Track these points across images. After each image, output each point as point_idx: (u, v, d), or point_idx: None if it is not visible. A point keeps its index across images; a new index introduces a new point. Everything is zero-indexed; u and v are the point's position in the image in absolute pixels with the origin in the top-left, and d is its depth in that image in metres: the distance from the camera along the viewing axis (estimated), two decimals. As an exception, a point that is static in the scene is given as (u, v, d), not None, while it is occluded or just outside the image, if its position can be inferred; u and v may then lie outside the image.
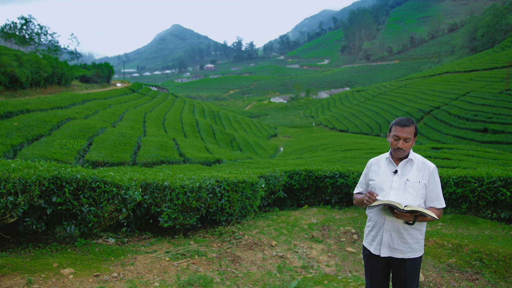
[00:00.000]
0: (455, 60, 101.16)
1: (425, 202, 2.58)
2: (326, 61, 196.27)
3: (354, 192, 2.89)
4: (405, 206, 2.40)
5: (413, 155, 2.62)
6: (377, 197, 2.50)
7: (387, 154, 2.70)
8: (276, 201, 7.67)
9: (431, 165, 2.58)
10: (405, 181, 2.54)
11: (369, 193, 2.51)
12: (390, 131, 2.65)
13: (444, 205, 2.58)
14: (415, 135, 2.57)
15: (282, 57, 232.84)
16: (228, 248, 4.84)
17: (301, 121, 70.55)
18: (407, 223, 2.46)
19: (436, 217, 2.43)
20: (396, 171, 2.59)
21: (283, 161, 17.40)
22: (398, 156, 2.59)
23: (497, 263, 4.24)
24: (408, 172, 2.57)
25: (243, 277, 4.09)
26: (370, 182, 2.70)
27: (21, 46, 52.51)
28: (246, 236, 5.27)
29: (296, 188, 7.55)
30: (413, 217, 2.41)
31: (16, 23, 53.39)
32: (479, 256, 4.39)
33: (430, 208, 2.57)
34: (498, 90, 46.19)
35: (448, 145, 24.00)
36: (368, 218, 2.75)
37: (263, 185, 6.32)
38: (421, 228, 2.58)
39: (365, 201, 2.52)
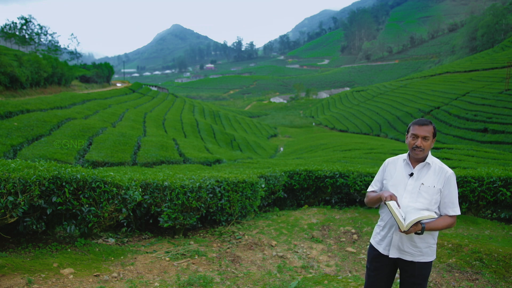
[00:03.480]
0: (455, 60, 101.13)
1: (439, 208, 2.52)
2: (326, 61, 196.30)
3: (368, 190, 2.82)
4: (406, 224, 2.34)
5: (431, 159, 2.55)
6: (394, 204, 2.42)
7: (404, 156, 2.65)
8: (276, 201, 7.67)
9: (449, 171, 2.51)
10: (420, 185, 2.49)
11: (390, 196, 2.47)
12: (408, 132, 2.61)
13: (458, 213, 2.49)
14: (434, 136, 2.52)
15: (282, 57, 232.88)
16: (228, 248, 4.84)
17: (301, 121, 70.53)
18: (415, 233, 2.40)
19: (442, 226, 2.39)
20: (411, 174, 2.53)
21: (283, 161, 17.40)
22: (417, 156, 2.52)
23: (497, 263, 4.24)
24: (424, 176, 2.51)
25: (243, 277, 4.09)
26: (384, 182, 2.66)
27: (21, 46, 52.54)
28: (246, 236, 5.27)
29: (296, 188, 7.55)
30: (420, 227, 2.34)
31: (16, 23, 53.48)
32: (479, 256, 4.39)
33: (444, 215, 2.50)
34: (498, 90, 46.18)
35: (448, 145, 24.00)
36: (381, 217, 2.70)
37: (263, 185, 6.32)
38: (433, 232, 2.52)
39: (385, 195, 2.46)
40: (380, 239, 2.63)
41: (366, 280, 2.74)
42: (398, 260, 2.56)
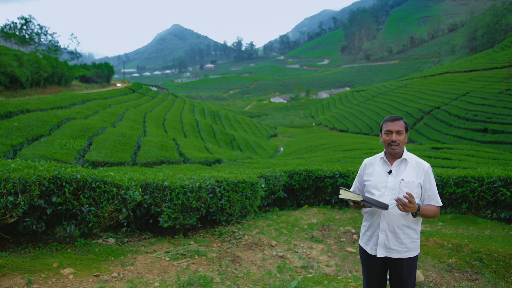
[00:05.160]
0: (455, 60, 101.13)
1: (422, 202, 2.59)
2: (326, 61, 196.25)
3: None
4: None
5: (407, 154, 2.63)
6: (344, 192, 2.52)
7: (381, 154, 2.71)
8: (276, 201, 7.67)
9: (426, 164, 2.59)
10: (400, 181, 2.55)
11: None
12: (381, 131, 2.68)
13: (441, 203, 2.58)
14: (406, 130, 2.60)
15: (282, 57, 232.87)
16: (228, 248, 4.84)
17: (301, 121, 70.53)
18: (413, 215, 2.44)
19: (430, 213, 2.50)
20: (390, 171, 2.59)
21: (283, 161, 17.40)
22: (393, 152, 2.59)
23: (497, 263, 4.24)
24: (402, 172, 2.58)
25: (243, 277, 4.09)
26: (365, 183, 2.71)
27: (21, 46, 52.53)
28: (246, 236, 5.27)
29: (296, 188, 7.55)
30: (416, 205, 2.37)
31: (16, 23, 53.47)
32: (479, 256, 4.39)
33: (430, 206, 2.58)
34: (498, 90, 46.17)
35: (448, 145, 24.00)
36: (364, 218, 2.75)
37: (263, 185, 6.32)
38: (417, 227, 2.59)
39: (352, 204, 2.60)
40: (367, 239, 2.69)
41: (363, 280, 2.80)
42: (386, 259, 2.61)
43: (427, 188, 2.56)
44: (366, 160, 2.81)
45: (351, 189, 2.89)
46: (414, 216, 2.45)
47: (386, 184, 2.57)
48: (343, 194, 2.48)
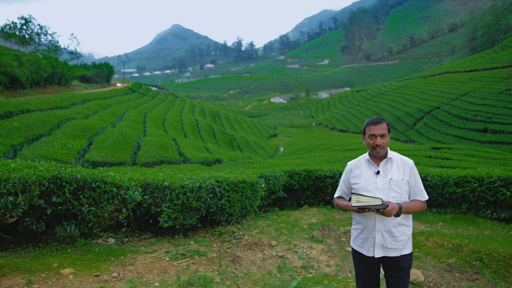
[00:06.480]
0: (455, 60, 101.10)
1: (409, 197, 2.64)
2: (326, 61, 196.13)
3: (335, 196, 2.88)
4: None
5: (391, 153, 2.66)
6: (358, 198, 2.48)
7: (366, 156, 2.71)
8: (276, 201, 7.67)
9: (410, 161, 2.64)
10: (389, 180, 2.57)
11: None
12: (364, 133, 2.68)
13: (427, 197, 2.63)
14: (389, 131, 2.63)
15: (282, 57, 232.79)
16: (228, 248, 4.84)
17: (301, 121, 70.53)
18: (394, 215, 2.48)
19: (415, 209, 2.56)
20: (378, 172, 2.61)
21: (283, 161, 17.40)
22: (378, 155, 2.61)
23: (497, 263, 4.24)
24: (389, 171, 2.60)
25: (243, 277, 4.09)
26: (353, 186, 2.70)
27: (21, 46, 52.49)
28: (246, 236, 5.27)
29: (296, 188, 7.55)
30: (397, 206, 2.44)
31: (16, 23, 53.41)
32: (479, 256, 4.39)
33: (415, 201, 2.62)
34: (498, 90, 46.13)
35: (448, 145, 24.00)
36: (356, 221, 2.74)
37: (263, 185, 6.32)
38: (409, 223, 2.63)
39: (351, 208, 2.57)
40: (362, 242, 2.68)
41: (357, 282, 2.78)
42: (382, 258, 2.63)
43: (413, 184, 2.61)
44: (350, 163, 2.79)
45: (336, 195, 2.85)
46: (397, 216, 2.49)
47: (376, 185, 2.58)
48: (357, 201, 2.42)
